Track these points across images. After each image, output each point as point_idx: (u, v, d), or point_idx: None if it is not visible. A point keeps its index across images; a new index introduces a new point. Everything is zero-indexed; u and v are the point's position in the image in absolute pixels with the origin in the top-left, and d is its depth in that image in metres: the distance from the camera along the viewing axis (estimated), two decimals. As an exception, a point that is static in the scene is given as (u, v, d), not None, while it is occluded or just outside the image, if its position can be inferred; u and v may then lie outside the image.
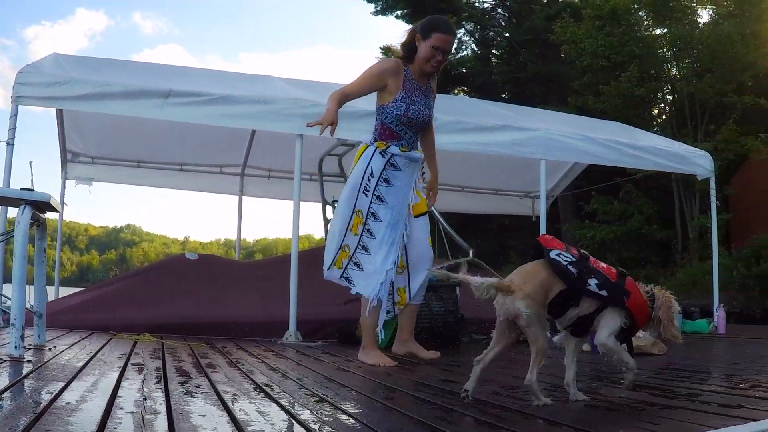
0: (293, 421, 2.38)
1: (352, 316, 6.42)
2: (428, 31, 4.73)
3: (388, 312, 4.91)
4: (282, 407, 2.65)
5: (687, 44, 21.32)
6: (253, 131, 9.31)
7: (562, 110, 17.67)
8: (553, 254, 2.87)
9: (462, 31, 32.14)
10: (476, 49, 32.43)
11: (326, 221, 9.93)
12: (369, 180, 4.69)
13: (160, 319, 6.69)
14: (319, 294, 7.14)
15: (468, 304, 6.27)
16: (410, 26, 5.03)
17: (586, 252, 3.02)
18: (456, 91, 30.55)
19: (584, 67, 22.35)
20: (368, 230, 4.71)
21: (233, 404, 2.65)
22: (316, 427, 2.26)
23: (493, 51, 32.22)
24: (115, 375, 3.38)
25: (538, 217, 8.67)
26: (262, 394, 2.97)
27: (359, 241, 4.73)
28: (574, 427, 2.30)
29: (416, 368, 4.44)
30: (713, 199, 9.75)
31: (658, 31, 23.09)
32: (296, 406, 2.69)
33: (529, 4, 29.79)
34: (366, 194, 4.70)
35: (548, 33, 24.29)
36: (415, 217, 4.91)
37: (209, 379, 3.39)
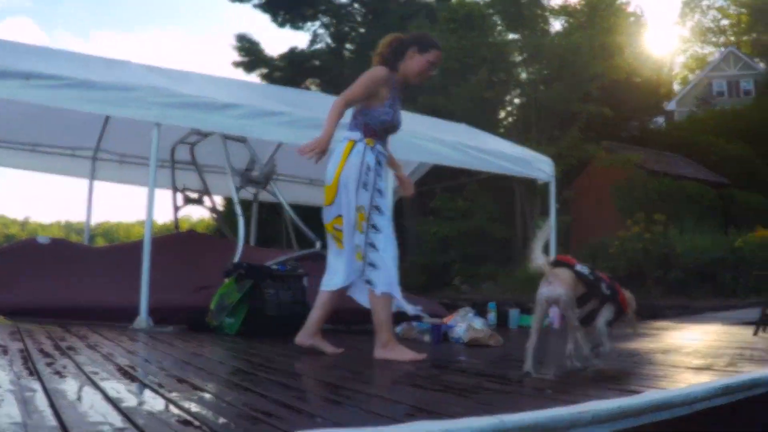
0: (162, 399, 2.60)
1: (203, 304, 6.57)
2: (428, 46, 4.93)
3: None
4: (149, 387, 2.86)
5: (537, 51, 22.22)
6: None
7: (412, 109, 18.11)
8: (578, 267, 3.78)
9: (318, 23, 32.39)
10: (331, 42, 32.70)
11: (176, 208, 10.00)
12: (367, 174, 4.60)
13: (13, 303, 6.58)
14: (171, 281, 7.22)
15: (315, 294, 6.47)
16: (395, 35, 5.15)
17: (591, 265, 3.99)
18: (308, 84, 30.72)
19: (436, 68, 22.80)
20: (373, 225, 4.58)
21: (103, 383, 2.83)
22: (183, 403, 2.48)
23: (347, 46, 32.53)
24: (-20, 356, 3.48)
25: (383, 212, 8.90)
26: (127, 375, 3.15)
27: (366, 240, 4.59)
28: (415, 407, 2.61)
29: (267, 354, 4.67)
30: (552, 201, 10.26)
31: (510, 37, 23.95)
32: (161, 386, 2.89)
33: (386, 2, 30.26)
34: (366, 188, 4.58)
35: (403, 32, 24.71)
36: None
37: (74, 361, 3.53)
